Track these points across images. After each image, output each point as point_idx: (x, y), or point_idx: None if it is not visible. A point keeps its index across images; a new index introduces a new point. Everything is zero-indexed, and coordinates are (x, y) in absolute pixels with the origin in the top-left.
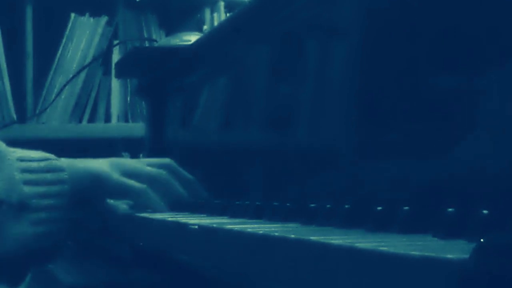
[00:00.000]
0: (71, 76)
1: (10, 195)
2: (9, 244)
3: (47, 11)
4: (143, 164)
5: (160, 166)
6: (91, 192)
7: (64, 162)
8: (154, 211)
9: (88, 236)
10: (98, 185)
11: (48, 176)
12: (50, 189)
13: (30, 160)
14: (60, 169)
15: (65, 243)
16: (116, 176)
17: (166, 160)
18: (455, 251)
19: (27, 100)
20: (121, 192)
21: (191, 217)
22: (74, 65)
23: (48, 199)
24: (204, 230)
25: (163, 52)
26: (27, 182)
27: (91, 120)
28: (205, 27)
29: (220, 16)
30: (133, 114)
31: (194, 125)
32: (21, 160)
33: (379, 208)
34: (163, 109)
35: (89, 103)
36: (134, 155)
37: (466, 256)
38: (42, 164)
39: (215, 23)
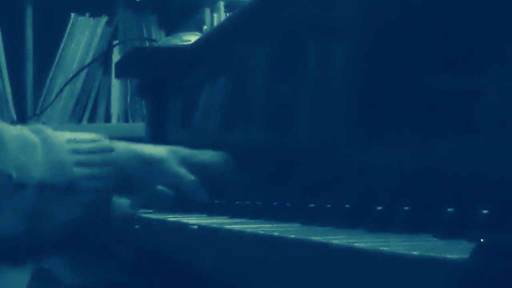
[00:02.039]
0: (71, 76)
1: (56, 178)
2: (57, 227)
3: (47, 11)
4: (199, 153)
5: (216, 156)
6: (140, 176)
7: (116, 143)
8: (192, 200)
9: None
10: (149, 171)
11: (98, 157)
12: (99, 170)
13: (79, 142)
14: (109, 150)
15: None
16: (171, 164)
17: (222, 154)
18: (455, 251)
19: (27, 100)
20: (172, 181)
21: (191, 217)
22: (74, 65)
23: (98, 181)
24: (204, 230)
25: (163, 52)
26: (78, 164)
27: (91, 120)
28: (205, 27)
29: (220, 16)
30: (133, 114)
31: (194, 125)
32: (71, 141)
33: (379, 208)
34: (163, 109)
35: (89, 103)
36: None
37: (466, 256)
38: (91, 145)
39: (215, 23)
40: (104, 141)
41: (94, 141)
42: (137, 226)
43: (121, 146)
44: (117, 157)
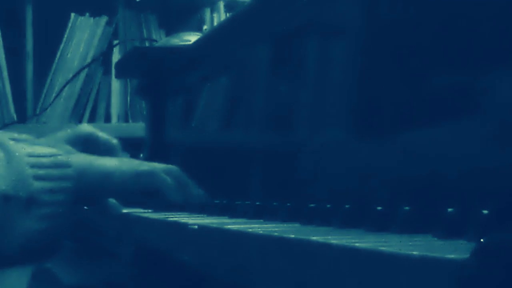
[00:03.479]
0: (71, 76)
1: (18, 190)
2: (17, 239)
3: (47, 11)
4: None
5: (166, 171)
6: (101, 187)
7: (73, 158)
8: (169, 196)
9: (88, 236)
10: (108, 180)
11: (55, 171)
12: (56, 184)
13: (38, 156)
14: (66, 165)
15: (66, 240)
16: (126, 169)
17: (173, 167)
18: (455, 251)
19: (27, 100)
20: (134, 185)
21: (191, 217)
22: (74, 65)
23: (55, 195)
24: (204, 230)
25: (163, 52)
26: (37, 177)
27: (91, 120)
28: (205, 27)
29: (220, 16)
30: (133, 114)
31: (194, 125)
32: (30, 155)
33: (379, 208)
34: (163, 109)
35: (89, 103)
36: (134, 155)
37: (466, 256)
38: (49, 159)
39: (215, 23)
40: (62, 156)
41: (52, 155)
42: (137, 226)
43: (78, 161)
44: (74, 172)
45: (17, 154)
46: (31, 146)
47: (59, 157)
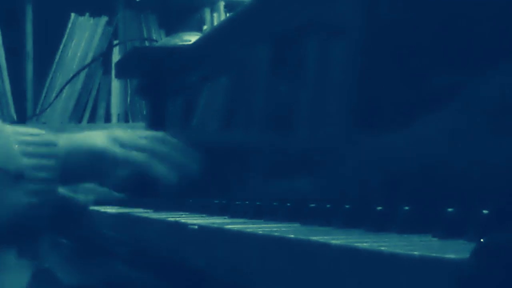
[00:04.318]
0: (71, 76)
1: (8, 164)
2: (5, 211)
3: (47, 11)
4: (138, 136)
5: (154, 138)
6: (89, 167)
7: (60, 137)
8: (159, 178)
9: (88, 236)
10: (98, 161)
11: (42, 149)
12: (43, 162)
13: (25, 134)
14: (52, 144)
15: (52, 219)
16: (117, 150)
17: (160, 133)
18: (455, 251)
19: (27, 100)
20: (123, 164)
21: (191, 217)
22: (74, 65)
23: (42, 172)
24: (204, 230)
25: (163, 52)
26: (25, 154)
27: (91, 120)
28: (205, 27)
29: (220, 16)
30: (133, 114)
31: (194, 125)
32: (18, 133)
33: (379, 208)
34: (163, 109)
35: (89, 103)
36: None
37: (466, 256)
38: (36, 138)
39: (215, 23)
40: (48, 135)
41: (38, 134)
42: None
43: (64, 139)
44: (60, 151)
45: (5, 130)
46: (17, 126)
47: (45, 135)
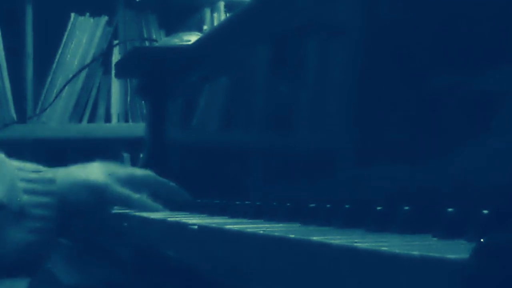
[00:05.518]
0: (71, 76)
1: (11, 201)
2: (8, 248)
3: (47, 11)
4: (132, 173)
5: (146, 177)
6: (88, 203)
7: (58, 173)
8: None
9: (88, 236)
10: (97, 197)
11: (41, 187)
12: (42, 199)
13: (27, 170)
14: (50, 181)
15: (50, 254)
16: (115, 187)
17: (151, 173)
18: (455, 251)
19: (27, 100)
20: (121, 202)
21: (191, 217)
22: (74, 65)
23: (42, 209)
24: (204, 230)
25: (163, 52)
26: (26, 191)
27: (91, 120)
28: (205, 27)
29: (220, 16)
30: (133, 114)
31: (194, 125)
32: (20, 169)
33: (379, 208)
34: (163, 109)
35: (89, 103)
36: (134, 155)
37: (466, 256)
38: (36, 175)
39: (215, 23)
40: (46, 172)
41: (37, 171)
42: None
43: (62, 176)
44: (58, 188)
45: (8, 166)
46: (18, 161)
47: (44, 173)
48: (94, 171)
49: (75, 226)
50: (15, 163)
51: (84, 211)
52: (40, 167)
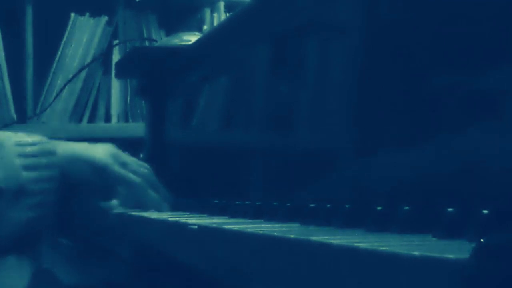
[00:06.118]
0: (71, 76)
1: (9, 182)
2: (7, 230)
3: (47, 11)
4: (134, 159)
5: (146, 166)
6: (88, 179)
7: (59, 145)
8: (150, 205)
9: (88, 236)
10: (98, 175)
11: (42, 160)
12: (43, 173)
13: (25, 145)
14: (50, 153)
15: (52, 228)
16: (117, 167)
17: (146, 165)
18: (455, 251)
19: (27, 100)
20: (121, 183)
21: (191, 217)
22: (74, 65)
23: (42, 183)
24: (204, 230)
25: (163, 52)
26: (25, 167)
27: (91, 120)
28: (205, 27)
29: (220, 16)
30: (133, 114)
31: (194, 125)
32: (18, 144)
33: (379, 208)
34: (163, 109)
35: (89, 103)
36: (134, 155)
37: (466, 256)
38: (35, 148)
39: (215, 23)
40: (46, 144)
41: (37, 143)
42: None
43: (63, 148)
44: (59, 160)
45: (5, 144)
46: (18, 134)
47: (45, 144)
48: (98, 151)
49: (74, 204)
50: (14, 137)
51: (84, 187)
52: (41, 138)
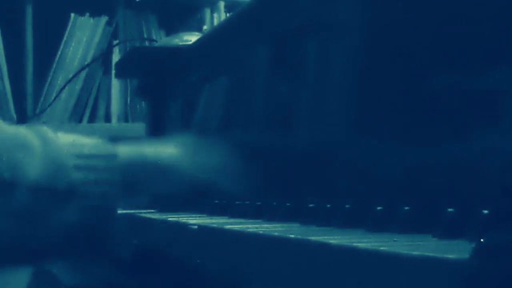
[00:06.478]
0: (71, 76)
1: (53, 181)
2: (55, 232)
3: (47, 11)
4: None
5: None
6: (147, 182)
7: (119, 148)
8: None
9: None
10: (158, 177)
11: (100, 162)
12: (101, 175)
13: (81, 146)
14: (111, 156)
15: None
16: (187, 165)
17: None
18: (455, 251)
19: (27, 100)
20: (192, 182)
21: (191, 217)
22: (74, 65)
23: (100, 186)
24: (204, 230)
25: (163, 52)
26: (78, 168)
27: (91, 120)
28: (205, 27)
29: (220, 16)
30: (133, 114)
31: (194, 125)
32: (72, 145)
33: (379, 208)
34: (163, 109)
35: (89, 103)
36: None
37: (466, 256)
38: (93, 150)
39: (215, 23)
40: (107, 146)
41: (96, 146)
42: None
43: (125, 151)
44: (121, 164)
45: (56, 143)
46: (76, 136)
47: (103, 147)
48: (164, 149)
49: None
50: (70, 138)
51: (143, 189)
52: (99, 141)
